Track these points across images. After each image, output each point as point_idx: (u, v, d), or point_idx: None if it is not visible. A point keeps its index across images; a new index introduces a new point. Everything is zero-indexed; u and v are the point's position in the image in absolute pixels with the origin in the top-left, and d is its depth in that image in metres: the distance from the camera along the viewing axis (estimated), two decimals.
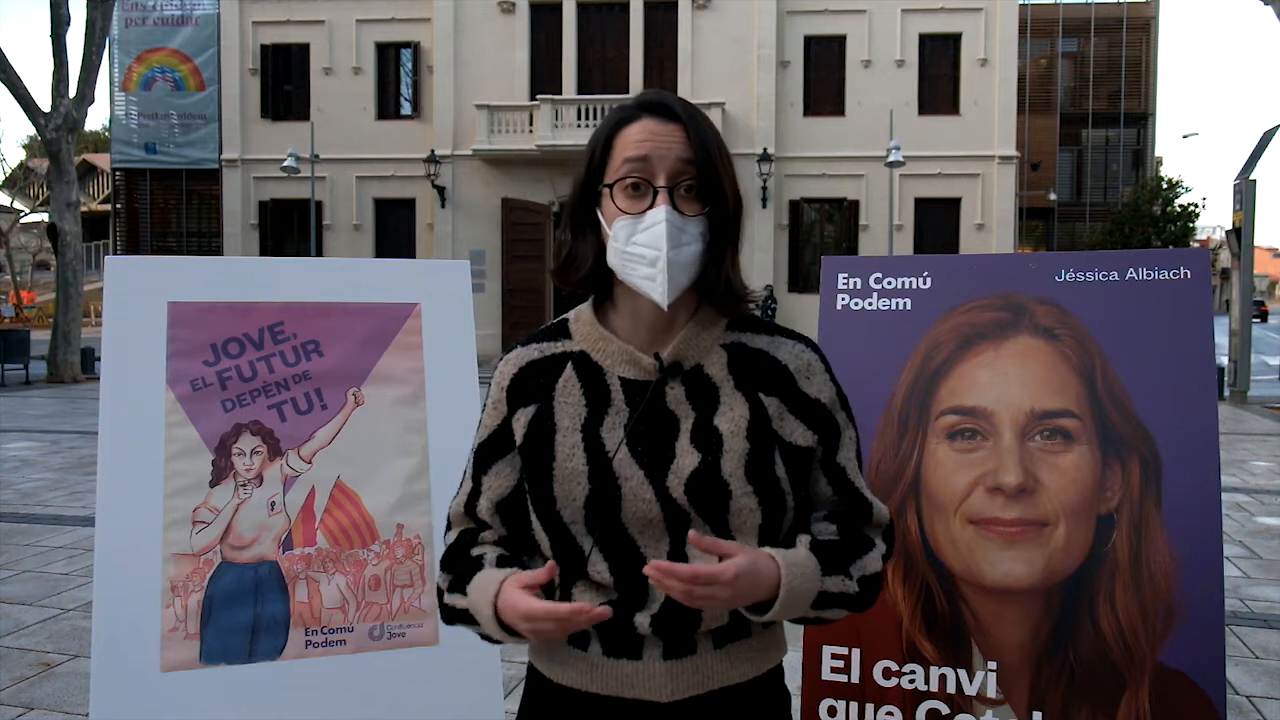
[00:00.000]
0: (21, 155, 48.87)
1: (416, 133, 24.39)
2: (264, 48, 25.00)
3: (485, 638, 1.27)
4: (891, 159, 20.50)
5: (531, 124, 23.02)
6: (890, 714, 2.14)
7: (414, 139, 24.28)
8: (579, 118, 22.67)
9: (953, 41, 23.64)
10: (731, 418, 1.23)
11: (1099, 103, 33.53)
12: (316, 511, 2.26)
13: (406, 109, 24.97)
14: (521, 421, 1.27)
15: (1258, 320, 46.99)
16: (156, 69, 25.21)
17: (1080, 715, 2.04)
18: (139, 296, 2.26)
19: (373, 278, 2.46)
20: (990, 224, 23.49)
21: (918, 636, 2.14)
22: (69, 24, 17.17)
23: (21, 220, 45.17)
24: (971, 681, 2.11)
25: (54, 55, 16.96)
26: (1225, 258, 16.60)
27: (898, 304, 2.29)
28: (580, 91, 23.58)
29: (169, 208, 26.51)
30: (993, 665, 2.10)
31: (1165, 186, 30.66)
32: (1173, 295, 2.13)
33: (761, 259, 22.86)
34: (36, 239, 45.03)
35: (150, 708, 2.10)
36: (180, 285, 2.29)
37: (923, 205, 23.66)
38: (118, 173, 26.63)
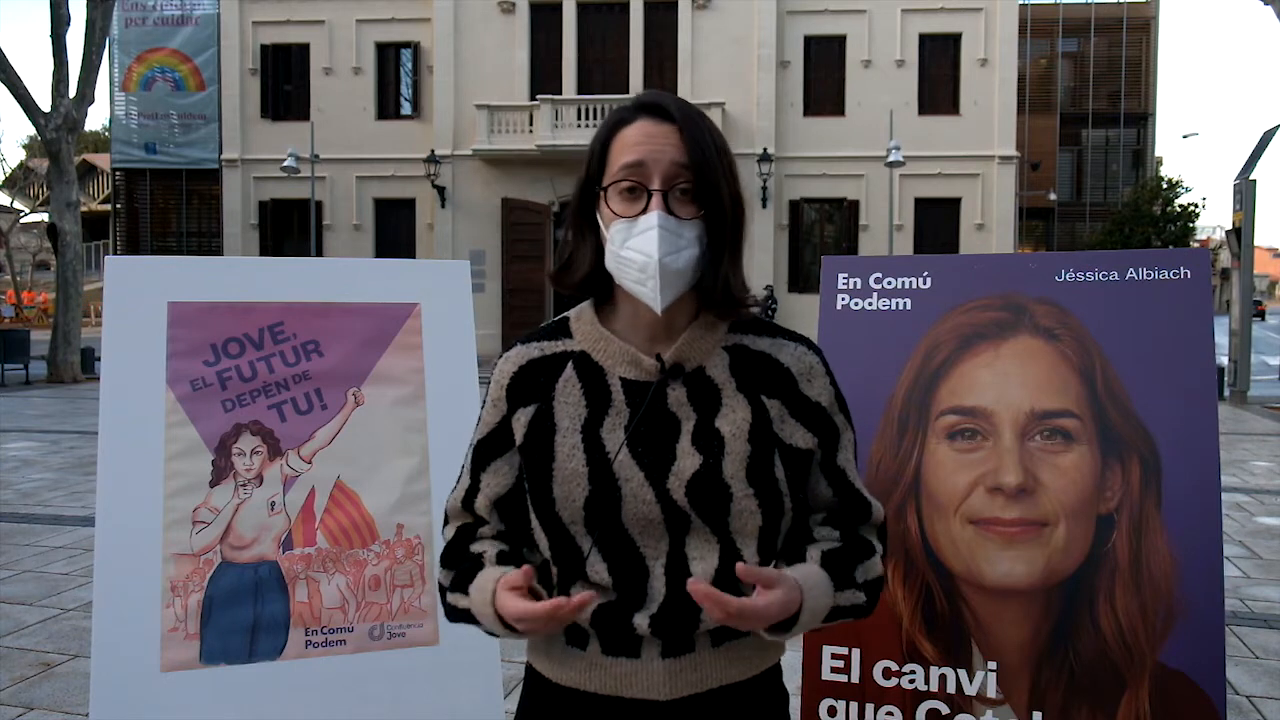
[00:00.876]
0: (21, 155, 48.89)
1: (416, 133, 24.39)
2: (264, 48, 25.00)
3: (491, 632, 1.28)
4: (891, 159, 20.50)
5: (531, 124, 23.02)
6: (890, 714, 2.14)
7: (414, 139, 24.29)
8: (579, 118, 22.66)
9: (953, 41, 23.63)
10: (733, 420, 1.23)
11: (1099, 103, 33.52)
12: (316, 511, 2.26)
13: (406, 109, 24.97)
14: (521, 421, 1.27)
15: (1257, 319, 46.99)
16: (156, 69, 25.21)
17: (1080, 715, 2.04)
18: (139, 296, 2.26)
19: (373, 278, 2.46)
20: (990, 224, 23.48)
21: (918, 636, 2.14)
22: (69, 24, 17.16)
23: (21, 220, 45.16)
24: (971, 681, 2.11)
25: (54, 55, 16.96)
26: (1225, 258, 16.60)
27: (898, 304, 2.29)
28: (580, 91, 23.58)
29: (169, 208, 26.51)
30: (993, 665, 2.10)
31: (1165, 186, 30.65)
32: (1173, 295, 2.13)
33: (761, 259, 22.86)
34: (36, 239, 45.02)
35: (150, 708, 2.10)
36: (180, 285, 2.29)
37: (923, 205, 23.66)
38: (118, 173, 26.63)
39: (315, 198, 22.85)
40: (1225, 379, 14.13)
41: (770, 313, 22.18)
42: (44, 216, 34.58)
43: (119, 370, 2.23)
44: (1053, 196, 31.96)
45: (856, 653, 2.17)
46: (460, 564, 1.29)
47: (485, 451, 1.31)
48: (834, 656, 2.18)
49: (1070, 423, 2.11)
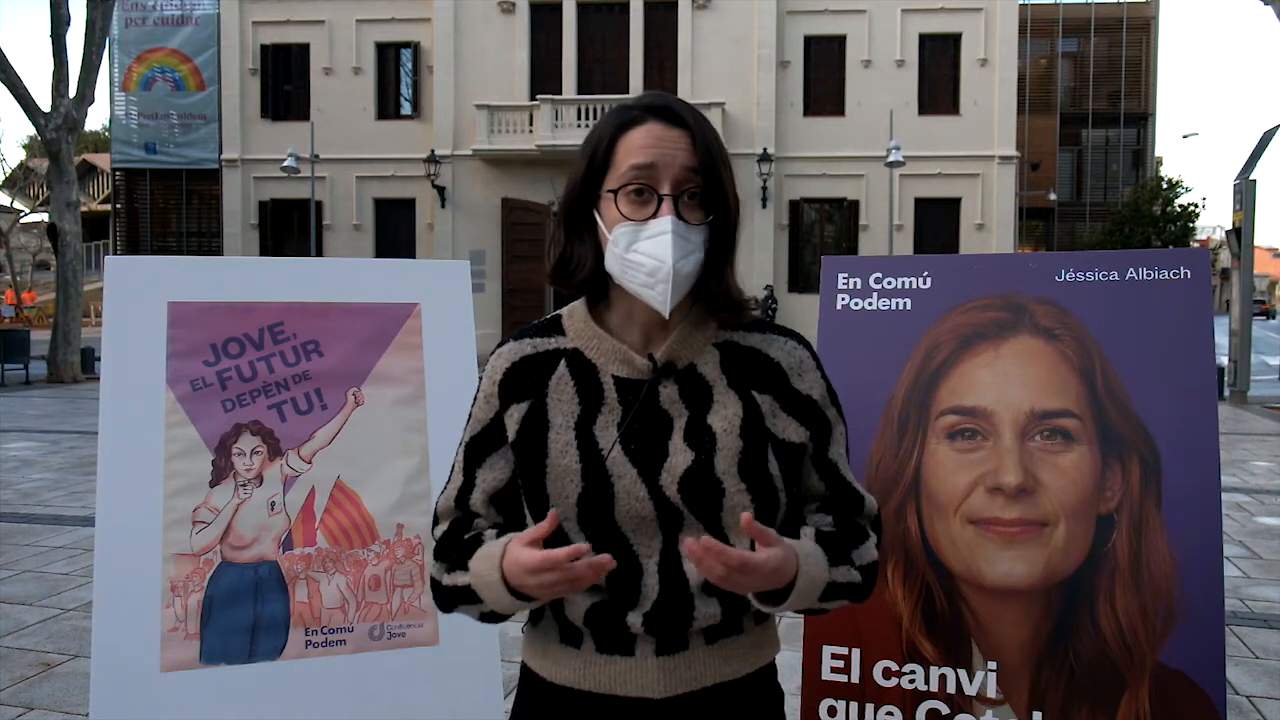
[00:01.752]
0: (21, 155, 48.89)
1: (416, 133, 24.40)
2: (264, 48, 25.01)
3: (487, 617, 1.25)
4: (891, 159, 20.50)
5: (531, 124, 23.03)
6: (890, 714, 2.14)
7: (414, 139, 24.29)
8: (579, 118, 22.67)
9: (953, 41, 23.64)
10: (725, 416, 1.24)
11: (1099, 103, 33.52)
12: (316, 511, 2.26)
13: (406, 109, 24.98)
14: (514, 417, 1.27)
15: (1263, 318, 46.94)
16: (156, 69, 25.22)
17: (1080, 715, 2.04)
18: (139, 296, 2.26)
19: (372, 278, 2.46)
20: (990, 224, 23.49)
21: (918, 636, 2.14)
22: (69, 24, 17.17)
23: (21, 220, 45.16)
24: (971, 681, 2.11)
25: (54, 55, 16.97)
26: (1225, 258, 16.60)
27: (898, 304, 2.29)
28: (580, 91, 23.59)
29: (169, 208, 26.52)
30: (993, 665, 2.10)
31: (1165, 186, 30.65)
32: (1173, 295, 2.13)
33: (761, 259, 22.86)
34: (36, 239, 45.02)
35: (150, 708, 2.10)
36: (180, 285, 2.29)
37: (923, 205, 23.66)
38: (118, 173, 26.64)
39: (315, 198, 22.86)
40: (1225, 379, 14.13)
41: (770, 313, 22.19)
42: (44, 216, 34.56)
43: (119, 370, 2.23)
44: (1053, 196, 31.96)
45: (856, 653, 2.17)
46: (455, 549, 1.27)
47: (479, 447, 1.31)
48: (834, 656, 2.18)
49: (1070, 423, 2.11)
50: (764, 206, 22.88)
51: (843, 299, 2.34)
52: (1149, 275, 2.15)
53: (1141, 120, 33.92)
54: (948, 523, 2.15)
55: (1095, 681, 2.04)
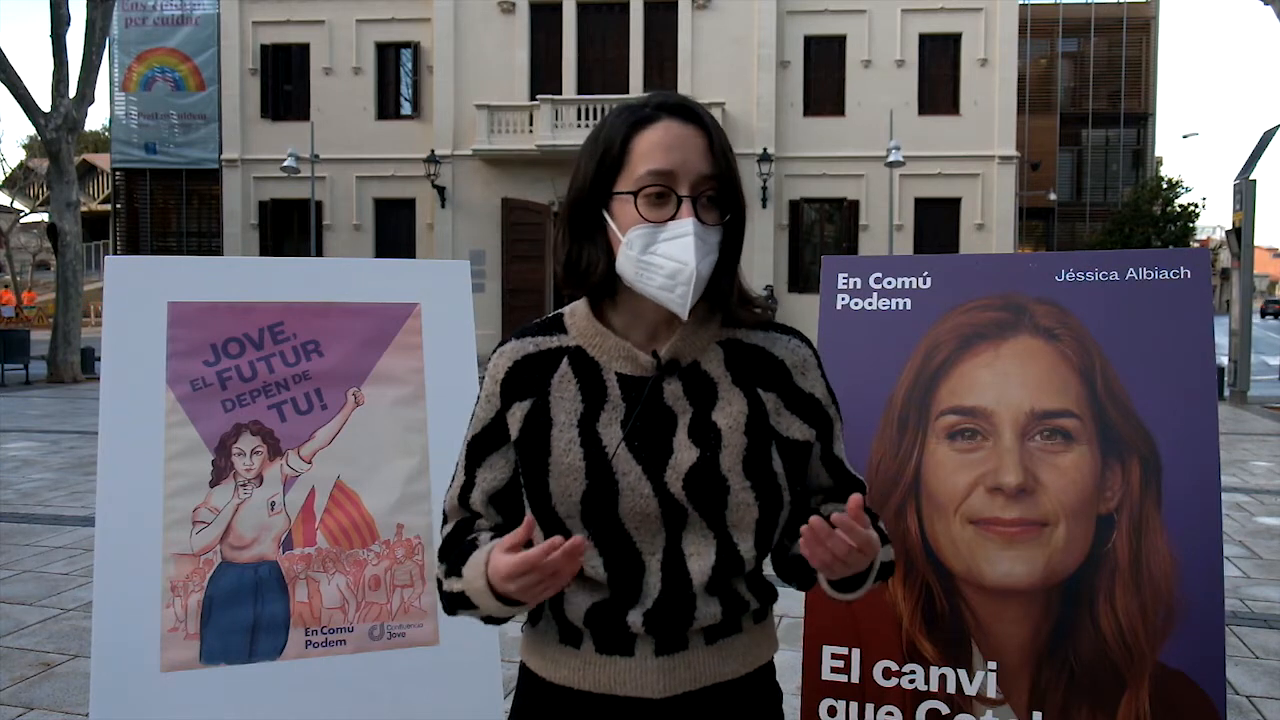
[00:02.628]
0: (21, 155, 48.89)
1: (416, 133, 24.40)
2: (264, 48, 25.01)
3: (488, 620, 1.25)
4: (891, 159, 20.50)
5: (531, 124, 23.02)
6: (890, 714, 2.14)
7: (414, 139, 24.29)
8: (579, 118, 22.67)
9: (953, 41, 23.64)
10: (730, 413, 1.24)
11: (1099, 103, 33.53)
12: (316, 511, 2.26)
13: (406, 109, 24.98)
14: (517, 416, 1.27)
15: (1273, 317, 46.86)
16: (156, 69, 25.22)
17: (1080, 715, 2.04)
18: (139, 296, 2.26)
19: (372, 278, 2.46)
20: (990, 224, 23.49)
21: (918, 636, 2.14)
22: (69, 24, 17.16)
23: (21, 220, 45.15)
24: (971, 681, 2.10)
25: (54, 55, 16.96)
26: (1225, 258, 16.60)
27: (898, 304, 2.29)
28: (580, 92, 23.59)
29: (169, 208, 26.52)
30: (993, 665, 2.10)
31: (1165, 186, 30.66)
32: (1173, 295, 2.13)
33: (761, 259, 22.86)
34: (36, 239, 45.01)
35: (150, 708, 2.10)
36: (180, 285, 2.29)
37: (923, 205, 23.66)
38: (118, 173, 26.64)
39: (315, 198, 22.86)
40: (1225, 379, 14.13)
41: (770, 313, 22.16)
42: (44, 216, 34.57)
43: (119, 370, 2.23)
44: (1053, 196, 31.96)
45: (856, 653, 2.17)
46: (454, 553, 1.27)
47: (480, 447, 1.31)
48: (834, 656, 2.18)
49: (1070, 423, 2.11)
50: (764, 206, 22.88)
51: (843, 299, 2.34)
52: (1149, 275, 2.15)
53: (1141, 120, 33.92)
54: (948, 523, 2.15)
55: (1095, 681, 2.04)
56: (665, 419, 1.24)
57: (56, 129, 16.87)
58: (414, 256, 23.68)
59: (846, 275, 2.35)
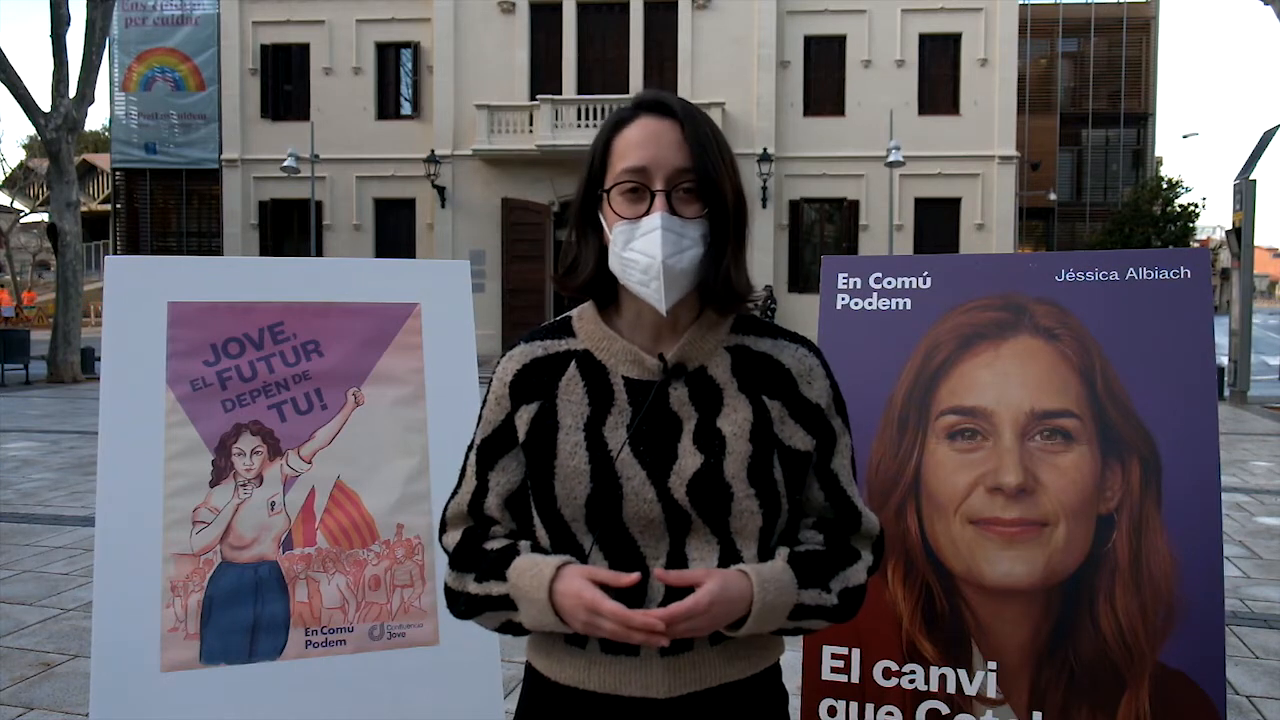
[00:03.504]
0: (21, 155, 48.87)
1: (416, 133, 24.38)
2: (264, 48, 25.00)
3: (506, 628, 1.25)
4: (891, 159, 20.50)
5: (531, 124, 23.01)
6: (890, 714, 2.14)
7: (414, 139, 24.28)
8: (579, 118, 22.66)
9: (953, 41, 23.63)
10: (735, 420, 1.23)
11: (1099, 103, 33.50)
12: (316, 511, 2.26)
13: (406, 109, 24.97)
14: (524, 418, 1.27)
15: None
16: (156, 69, 25.21)
17: (1080, 715, 2.04)
18: (139, 296, 2.26)
19: (372, 278, 2.46)
20: (990, 224, 23.48)
21: (918, 636, 2.14)
22: (69, 24, 17.16)
23: (21, 220, 45.15)
24: (971, 681, 2.10)
25: (54, 55, 16.96)
26: (1225, 258, 16.60)
27: (898, 304, 2.29)
28: (580, 91, 23.58)
29: (169, 208, 26.51)
30: (993, 665, 2.10)
31: (1165, 186, 30.63)
32: (1173, 295, 2.13)
33: (761, 259, 22.85)
34: (36, 239, 45.01)
35: (150, 708, 2.10)
36: (180, 285, 2.29)
37: (923, 205, 23.66)
38: (118, 173, 26.62)
39: (315, 198, 22.85)
40: (1225, 379, 14.13)
41: (770, 313, 22.18)
42: (44, 216, 34.57)
43: (119, 370, 2.23)
44: (1053, 196, 31.94)
45: (856, 653, 2.17)
46: (483, 558, 1.26)
47: (491, 450, 1.30)
48: (834, 656, 2.18)
49: (1070, 423, 2.11)
50: (764, 206, 22.87)
51: (843, 299, 2.34)
52: (1149, 275, 2.15)
53: (1141, 120, 33.90)
54: (948, 523, 2.15)
55: (1095, 681, 2.04)
56: (670, 424, 1.23)
57: (56, 129, 16.88)
58: (414, 256, 23.68)
59: (846, 275, 2.35)
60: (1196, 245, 29.86)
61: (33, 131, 27.49)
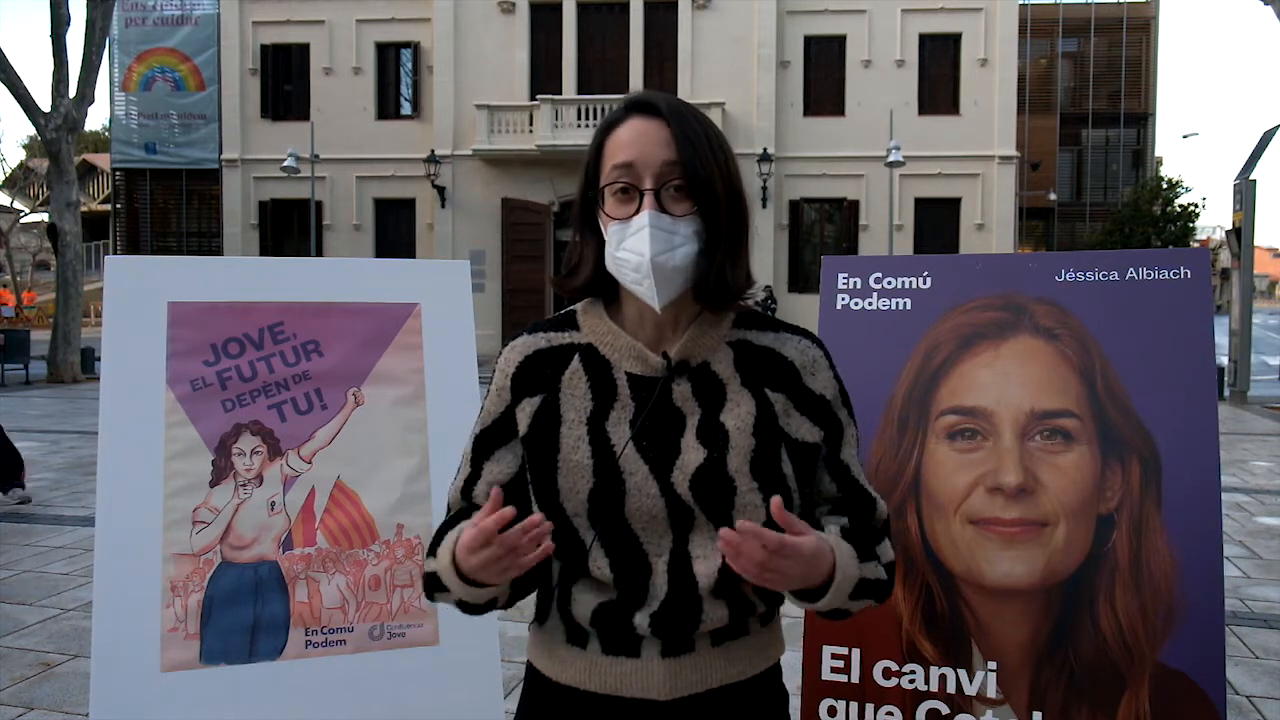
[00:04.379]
0: (21, 155, 48.87)
1: (416, 133, 24.38)
2: (264, 48, 24.99)
3: (462, 606, 1.24)
4: (891, 159, 20.50)
5: (531, 124, 23.01)
6: (890, 714, 2.14)
7: (414, 139, 24.28)
8: (579, 118, 22.66)
9: (953, 41, 23.63)
10: (738, 414, 1.23)
11: (1099, 103, 33.49)
12: (316, 511, 2.26)
13: (406, 109, 24.96)
14: (527, 411, 1.27)
15: None
16: (156, 69, 25.21)
17: (1080, 715, 2.04)
18: (139, 296, 2.26)
19: (372, 278, 2.46)
20: (990, 224, 23.48)
21: (918, 636, 2.14)
22: (69, 24, 17.16)
23: (21, 220, 45.16)
24: (971, 681, 2.10)
25: (54, 55, 16.96)
26: (1225, 258, 16.60)
27: (898, 304, 2.29)
28: (580, 91, 23.58)
29: (169, 208, 26.51)
30: (993, 665, 2.10)
31: (1165, 186, 30.62)
32: (1173, 295, 2.13)
33: (761, 259, 22.84)
34: (36, 239, 45.01)
35: (150, 708, 2.10)
36: (180, 285, 2.29)
37: (923, 205, 23.66)
38: (118, 173, 26.62)
39: (315, 198, 22.85)
40: (1225, 379, 14.13)
41: (770, 313, 22.14)
42: (44, 216, 34.55)
43: (119, 370, 2.23)
44: (1053, 196, 31.94)
45: (856, 653, 2.17)
46: (437, 539, 1.27)
47: (488, 440, 1.31)
48: (834, 656, 2.18)
49: (1070, 423, 2.11)
50: (764, 206, 22.87)
51: (843, 299, 2.34)
52: (1149, 275, 2.15)
53: (1141, 120, 33.89)
54: (948, 523, 2.15)
55: (1095, 681, 2.04)
56: (674, 419, 1.23)
57: (56, 129, 16.87)
58: (414, 256, 23.67)
59: (846, 275, 2.35)
60: (1196, 245, 29.85)
61: (33, 131, 27.49)
